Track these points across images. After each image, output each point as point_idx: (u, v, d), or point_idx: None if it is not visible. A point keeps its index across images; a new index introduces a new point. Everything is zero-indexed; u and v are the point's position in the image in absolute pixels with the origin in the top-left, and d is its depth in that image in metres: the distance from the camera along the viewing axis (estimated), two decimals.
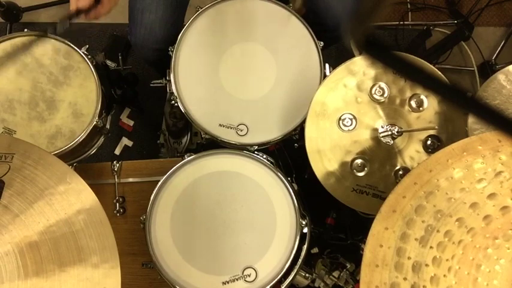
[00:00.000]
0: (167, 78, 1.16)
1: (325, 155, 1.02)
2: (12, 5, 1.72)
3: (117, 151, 1.73)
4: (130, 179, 1.17)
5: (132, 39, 1.23)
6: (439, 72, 0.99)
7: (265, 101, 1.15)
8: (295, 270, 1.10)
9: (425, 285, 0.71)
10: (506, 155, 0.74)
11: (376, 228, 0.72)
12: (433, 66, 1.06)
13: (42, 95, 1.15)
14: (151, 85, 1.38)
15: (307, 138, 1.02)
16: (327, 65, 1.16)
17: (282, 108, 1.15)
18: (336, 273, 1.27)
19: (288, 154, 1.53)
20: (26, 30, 1.15)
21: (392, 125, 1.01)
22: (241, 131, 1.14)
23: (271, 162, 1.12)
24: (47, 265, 0.71)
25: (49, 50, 1.16)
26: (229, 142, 1.12)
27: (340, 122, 1.03)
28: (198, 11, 1.18)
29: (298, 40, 1.18)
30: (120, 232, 1.14)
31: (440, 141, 1.03)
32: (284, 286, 1.09)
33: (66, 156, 1.16)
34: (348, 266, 1.28)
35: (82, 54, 1.15)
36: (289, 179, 1.11)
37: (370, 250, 0.72)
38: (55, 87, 1.15)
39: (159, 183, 1.07)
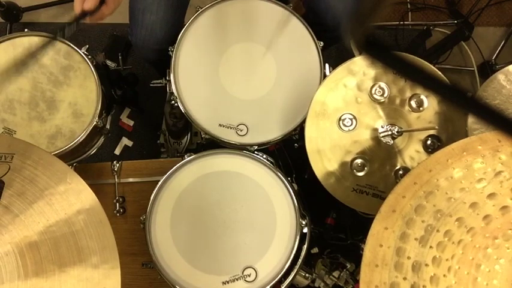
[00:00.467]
0: (167, 78, 1.16)
1: (325, 155, 1.02)
2: (12, 5, 1.72)
3: (117, 151, 1.73)
4: (131, 179, 1.17)
5: (132, 39, 1.23)
6: (439, 72, 0.99)
7: (265, 101, 1.15)
8: (295, 270, 1.10)
9: (425, 285, 0.71)
10: (506, 154, 0.74)
11: (376, 228, 0.72)
12: (433, 66, 1.06)
13: (42, 95, 1.15)
14: (151, 85, 1.38)
15: (307, 138, 1.02)
16: (327, 65, 1.16)
17: (282, 108, 1.15)
18: (336, 273, 1.27)
19: (288, 154, 1.53)
20: (26, 30, 1.15)
21: (393, 125, 1.01)
22: (241, 131, 1.14)
23: (271, 162, 1.12)
24: (47, 265, 0.71)
25: (49, 50, 1.16)
26: (229, 142, 1.12)
27: (340, 122, 1.03)
28: (198, 11, 1.18)
29: (298, 40, 1.18)
30: (120, 232, 1.14)
31: (440, 141, 1.03)
32: (284, 286, 1.09)
33: (66, 156, 1.16)
34: (348, 266, 1.28)
35: (82, 54, 1.15)
36: (289, 179, 1.11)
37: (370, 250, 0.72)
38: (55, 87, 1.15)
39: (159, 183, 1.07)
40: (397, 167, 1.03)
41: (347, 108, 1.03)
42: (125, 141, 1.74)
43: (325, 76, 1.14)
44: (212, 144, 1.17)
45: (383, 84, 1.03)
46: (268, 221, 1.08)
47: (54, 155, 0.80)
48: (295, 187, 1.14)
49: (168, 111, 1.40)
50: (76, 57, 1.16)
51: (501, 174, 0.73)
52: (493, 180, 0.73)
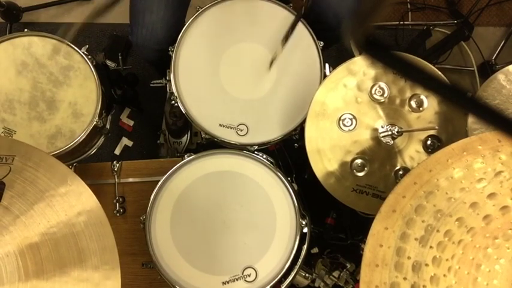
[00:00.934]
0: (167, 78, 1.16)
1: (325, 155, 1.02)
2: (12, 5, 1.72)
3: (117, 151, 1.73)
4: (130, 179, 1.17)
5: (133, 39, 1.23)
6: (439, 72, 0.99)
7: (265, 101, 1.15)
8: (295, 270, 1.10)
9: (425, 285, 0.71)
10: (506, 154, 0.74)
11: (376, 228, 0.73)
12: (433, 66, 1.06)
13: (42, 95, 1.15)
14: (151, 85, 1.38)
15: (307, 138, 1.02)
16: (326, 65, 1.16)
17: (282, 108, 1.15)
18: (336, 273, 1.27)
19: (288, 154, 1.53)
20: (26, 30, 1.15)
21: (393, 125, 1.01)
22: (241, 131, 1.14)
23: (271, 162, 1.12)
24: (47, 266, 0.71)
25: (49, 50, 1.16)
26: (229, 142, 1.12)
27: (340, 122, 1.03)
28: (198, 11, 1.18)
29: (298, 40, 1.18)
30: (120, 232, 1.14)
31: (440, 141, 1.03)
32: (284, 286, 1.09)
33: (66, 156, 1.16)
34: (348, 266, 1.28)
35: (82, 54, 1.15)
36: (289, 179, 1.11)
37: (370, 250, 0.72)
38: (55, 87, 1.15)
39: (159, 183, 1.07)
40: (397, 167, 1.03)
41: (347, 108, 1.03)
42: (125, 141, 1.74)
43: (325, 76, 1.14)
44: (212, 144, 1.17)
45: (383, 84, 1.03)
46: (268, 221, 1.08)
47: (54, 155, 0.81)
48: (295, 187, 1.14)
49: (168, 110, 1.40)
50: (76, 57, 1.16)
51: (501, 174, 0.73)
52: (493, 180, 0.73)
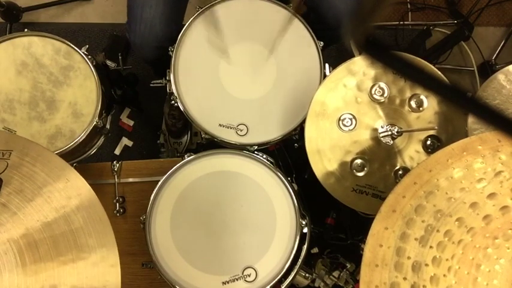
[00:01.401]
0: (167, 78, 1.16)
1: (325, 155, 1.02)
2: (12, 5, 1.72)
3: (117, 151, 1.73)
4: (130, 179, 1.17)
5: (131, 37, 1.21)
6: (439, 72, 0.99)
7: (265, 101, 1.15)
8: (295, 270, 1.10)
9: (425, 285, 0.71)
10: (506, 154, 0.74)
11: (376, 228, 0.73)
12: (433, 66, 1.06)
13: (42, 95, 1.15)
14: (151, 85, 1.37)
15: (307, 138, 1.02)
16: (326, 65, 1.16)
17: (282, 108, 1.15)
18: (336, 273, 1.27)
19: (288, 154, 1.53)
20: (26, 30, 1.15)
21: (392, 125, 1.01)
22: (241, 131, 1.14)
23: (271, 162, 1.12)
24: (46, 263, 0.71)
25: (49, 50, 1.16)
26: (229, 142, 1.12)
27: (340, 122, 1.03)
28: (198, 11, 1.18)
29: (298, 40, 1.18)
30: (120, 232, 1.14)
31: (440, 142, 1.03)
32: (284, 286, 1.09)
33: (66, 157, 1.16)
34: (348, 266, 1.28)
35: (82, 54, 1.15)
36: (289, 179, 1.11)
37: (370, 250, 0.72)
38: (55, 87, 1.15)
39: (159, 183, 1.07)
40: (397, 167, 1.03)
41: (347, 108, 1.03)
42: (125, 141, 1.74)
43: (325, 76, 1.14)
44: (212, 144, 1.17)
45: (383, 84, 1.03)
46: (268, 221, 1.08)
47: None
48: (295, 187, 1.14)
49: (167, 112, 1.40)
50: (76, 57, 1.16)
51: (501, 174, 0.73)
52: (493, 180, 0.73)
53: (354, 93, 1.04)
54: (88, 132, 1.13)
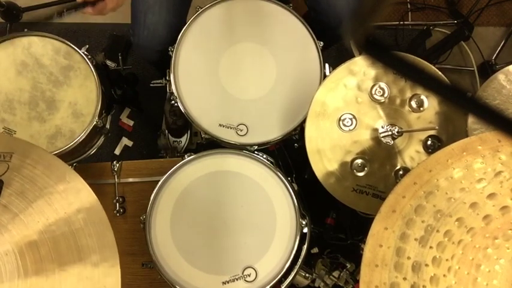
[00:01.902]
0: (167, 78, 1.16)
1: (325, 155, 1.02)
2: (12, 5, 1.71)
3: (117, 151, 1.73)
4: (130, 179, 1.17)
5: (135, 40, 1.23)
6: (439, 72, 0.99)
7: (265, 101, 1.15)
8: (295, 270, 1.10)
9: (425, 285, 0.71)
10: (506, 155, 0.74)
11: (376, 228, 0.72)
12: (433, 66, 1.06)
13: (42, 95, 1.15)
14: (151, 85, 1.38)
15: (307, 138, 1.02)
16: (326, 65, 1.16)
17: (282, 108, 1.15)
18: (336, 273, 1.27)
19: (288, 154, 1.53)
20: (26, 30, 1.15)
21: (393, 125, 1.01)
22: (241, 131, 1.14)
23: (271, 162, 1.12)
24: (47, 264, 0.71)
25: (49, 50, 1.16)
26: (229, 142, 1.12)
27: (340, 122, 1.02)
28: (198, 11, 1.18)
29: (298, 40, 1.18)
30: (120, 232, 1.14)
31: (440, 142, 1.03)
32: (284, 286, 1.09)
33: (66, 156, 1.16)
34: (348, 266, 1.28)
35: (82, 54, 1.15)
36: (289, 179, 1.11)
37: (369, 250, 0.72)
38: (55, 87, 1.15)
39: (159, 183, 1.07)
40: (397, 167, 1.03)
41: (347, 108, 1.03)
42: (125, 141, 1.74)
43: (325, 76, 1.14)
44: (212, 144, 1.17)
45: (383, 84, 1.03)
46: (268, 221, 1.08)
47: (54, 155, 0.80)
48: (295, 187, 1.14)
49: (168, 109, 1.40)
50: (76, 57, 1.16)
51: (501, 174, 0.73)
52: (493, 180, 0.73)
53: (354, 93, 1.04)
54: (88, 132, 1.13)
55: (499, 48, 1.84)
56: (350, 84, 1.04)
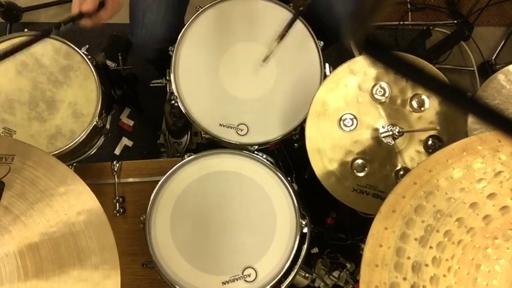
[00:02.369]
0: (167, 78, 1.16)
1: (326, 154, 1.02)
2: (12, 5, 1.72)
3: (117, 151, 1.73)
4: (130, 179, 1.17)
5: (133, 39, 1.23)
6: (439, 72, 0.99)
7: (265, 101, 1.15)
8: (295, 270, 1.10)
9: (425, 285, 0.71)
10: (505, 155, 0.74)
11: (376, 228, 0.72)
12: (433, 66, 1.05)
13: (42, 95, 1.15)
14: (151, 85, 1.38)
15: (307, 138, 1.02)
16: (327, 65, 1.16)
17: (282, 108, 1.15)
18: (336, 273, 1.27)
19: (288, 154, 1.53)
20: (26, 30, 1.15)
21: (394, 125, 1.01)
22: (241, 130, 1.14)
23: (271, 162, 1.12)
24: (47, 266, 0.71)
25: (49, 50, 1.16)
26: (229, 142, 1.12)
27: (341, 122, 1.02)
28: (198, 11, 1.18)
29: (298, 40, 1.18)
30: (120, 232, 1.14)
31: (441, 142, 1.03)
32: (284, 286, 1.09)
33: (66, 156, 1.16)
34: (348, 266, 1.28)
35: (82, 54, 1.15)
36: (289, 179, 1.11)
37: (369, 250, 0.72)
38: (55, 88, 1.15)
39: (159, 183, 1.07)
40: (398, 168, 1.03)
41: (348, 108, 1.03)
42: (125, 141, 1.74)
43: (325, 76, 1.14)
44: (212, 144, 1.17)
45: (384, 84, 1.03)
46: (268, 221, 1.08)
47: (54, 155, 0.81)
48: (295, 187, 1.14)
49: (168, 111, 1.40)
50: (76, 57, 1.16)
51: (501, 174, 0.73)
52: (493, 180, 0.73)
53: (355, 93, 1.04)
54: (88, 132, 1.13)
55: (499, 48, 1.84)
56: (351, 84, 1.04)
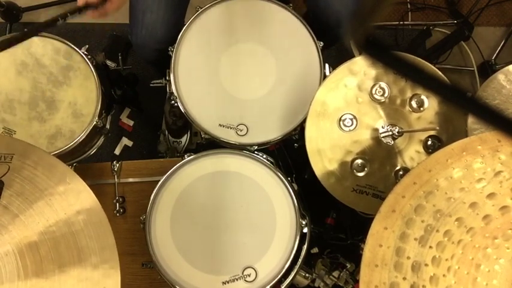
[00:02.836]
0: (167, 78, 1.16)
1: (326, 155, 1.02)
2: (12, 5, 1.72)
3: (117, 151, 1.73)
4: (130, 179, 1.17)
5: (133, 39, 1.23)
6: (439, 72, 0.99)
7: (265, 101, 1.15)
8: (295, 270, 1.10)
9: (425, 285, 0.71)
10: (505, 154, 0.74)
11: (376, 228, 0.73)
12: (433, 66, 1.05)
13: (42, 95, 1.15)
14: (151, 85, 1.38)
15: (307, 138, 1.02)
16: (326, 65, 1.16)
17: (282, 108, 1.15)
18: (336, 273, 1.27)
19: (288, 154, 1.53)
20: (26, 30, 1.15)
21: (393, 125, 1.01)
22: (241, 131, 1.14)
23: (271, 162, 1.12)
24: (47, 265, 0.71)
25: (49, 50, 1.16)
26: (229, 142, 1.12)
27: (341, 122, 1.03)
28: (198, 11, 1.18)
29: (298, 40, 1.18)
30: (120, 232, 1.14)
31: (440, 142, 1.03)
32: (284, 286, 1.09)
33: (66, 156, 1.16)
34: (348, 266, 1.28)
35: (82, 54, 1.15)
36: (289, 179, 1.11)
37: (369, 250, 0.72)
38: (55, 88, 1.15)
39: (159, 183, 1.07)
40: (397, 168, 1.03)
41: (347, 108, 1.03)
42: (125, 141, 1.74)
43: (325, 76, 1.14)
44: (212, 144, 1.17)
45: (383, 84, 1.03)
46: (268, 221, 1.08)
47: (54, 155, 0.81)
48: (295, 187, 1.14)
49: (168, 110, 1.40)
50: (76, 57, 1.16)
51: (501, 174, 0.73)
52: (492, 180, 0.73)
53: (354, 93, 1.04)
54: (88, 132, 1.13)
55: (499, 48, 1.84)
56: (350, 84, 1.04)
